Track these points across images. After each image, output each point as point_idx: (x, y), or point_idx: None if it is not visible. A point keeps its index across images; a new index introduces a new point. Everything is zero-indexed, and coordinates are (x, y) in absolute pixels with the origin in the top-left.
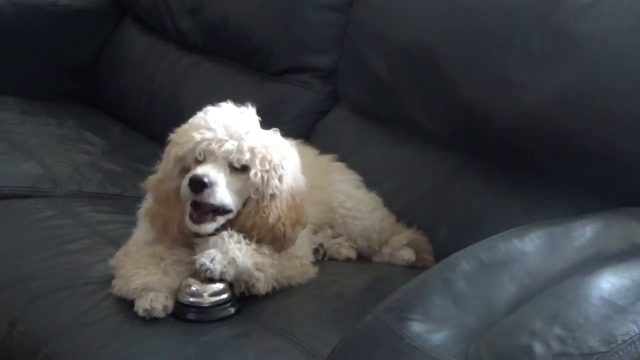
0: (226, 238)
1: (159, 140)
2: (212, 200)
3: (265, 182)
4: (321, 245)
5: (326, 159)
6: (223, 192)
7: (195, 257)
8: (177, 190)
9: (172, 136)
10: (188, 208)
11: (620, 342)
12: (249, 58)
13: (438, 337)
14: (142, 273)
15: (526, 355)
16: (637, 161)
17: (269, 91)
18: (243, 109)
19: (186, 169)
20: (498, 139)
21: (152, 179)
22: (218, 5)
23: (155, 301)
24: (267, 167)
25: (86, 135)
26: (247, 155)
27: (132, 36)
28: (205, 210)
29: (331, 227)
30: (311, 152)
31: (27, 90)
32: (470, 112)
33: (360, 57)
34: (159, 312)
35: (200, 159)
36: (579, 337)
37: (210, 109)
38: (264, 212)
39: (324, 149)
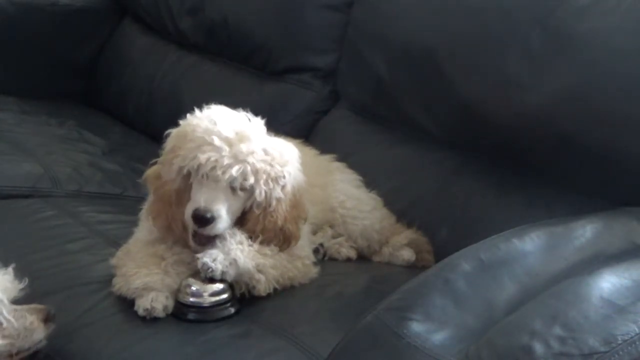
0: (228, 238)
1: (159, 140)
2: (214, 233)
3: (269, 195)
4: (321, 245)
5: (326, 159)
6: (224, 222)
7: (198, 256)
8: (179, 191)
9: (173, 137)
10: (190, 231)
11: (620, 342)
12: (249, 58)
13: (438, 337)
14: (143, 272)
15: (526, 355)
16: (637, 161)
17: (269, 91)
18: (249, 116)
19: (189, 173)
20: (498, 139)
21: (151, 174)
22: (218, 5)
23: (155, 301)
24: (271, 184)
25: (86, 135)
26: (252, 180)
27: (132, 36)
28: (208, 237)
29: (331, 227)
30: (311, 152)
31: (27, 90)
32: (470, 112)
33: (360, 57)
34: (159, 311)
35: (203, 180)
36: (579, 337)
37: (215, 116)
38: (272, 216)
39: (324, 149)
